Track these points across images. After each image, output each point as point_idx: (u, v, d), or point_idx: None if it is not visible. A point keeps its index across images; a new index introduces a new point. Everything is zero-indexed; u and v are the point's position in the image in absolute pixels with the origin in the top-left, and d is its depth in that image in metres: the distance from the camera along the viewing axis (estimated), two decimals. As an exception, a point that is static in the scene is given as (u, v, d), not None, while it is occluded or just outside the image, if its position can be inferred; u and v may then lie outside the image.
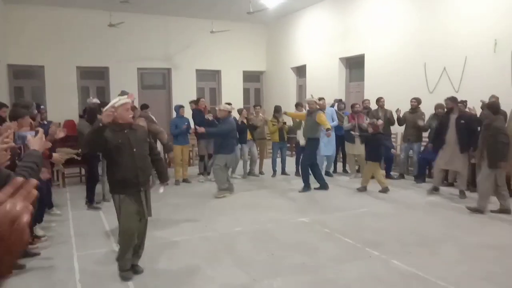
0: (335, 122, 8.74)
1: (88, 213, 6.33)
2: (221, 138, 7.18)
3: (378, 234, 5.09)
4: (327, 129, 7.16)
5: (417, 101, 8.32)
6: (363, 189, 7.43)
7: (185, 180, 8.63)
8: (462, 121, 6.72)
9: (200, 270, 4.07)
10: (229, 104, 7.62)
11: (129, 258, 3.90)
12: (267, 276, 3.84)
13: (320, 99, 8.55)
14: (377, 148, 7.40)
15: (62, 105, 11.50)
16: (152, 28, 12.87)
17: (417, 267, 4.02)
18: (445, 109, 7.19)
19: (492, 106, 6.00)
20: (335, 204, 6.62)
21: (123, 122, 3.78)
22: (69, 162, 8.04)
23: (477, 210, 5.89)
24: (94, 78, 12.77)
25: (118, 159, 3.74)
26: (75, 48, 11.86)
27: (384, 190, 7.27)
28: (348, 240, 4.89)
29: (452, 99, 6.97)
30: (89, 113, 6.41)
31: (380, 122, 7.56)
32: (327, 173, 9.07)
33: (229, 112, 7.32)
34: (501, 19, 7.48)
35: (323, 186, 7.64)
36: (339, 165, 9.60)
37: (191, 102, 9.61)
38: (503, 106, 6.71)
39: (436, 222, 5.60)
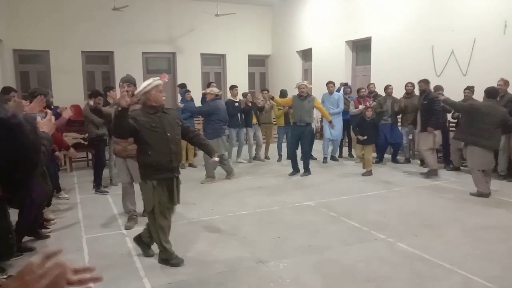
0: (339, 108, 8.70)
1: (95, 197, 6.41)
2: (205, 122, 7.23)
3: (383, 217, 5.13)
4: (330, 122, 7.59)
5: (413, 85, 8.23)
6: (368, 173, 7.45)
7: (190, 165, 8.68)
8: (425, 102, 7.17)
9: (206, 252, 4.14)
10: (216, 87, 7.69)
11: (170, 246, 3.83)
12: (273, 257, 3.89)
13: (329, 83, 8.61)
14: (372, 132, 7.56)
15: (68, 89, 11.52)
16: (157, 12, 12.79)
17: (422, 249, 4.05)
18: (420, 91, 7.58)
19: (486, 91, 6.07)
20: (341, 188, 6.65)
21: (156, 105, 3.68)
22: (75, 147, 8.14)
23: (481, 195, 5.89)
24: (99, 63, 12.77)
25: (152, 143, 3.61)
26: (80, 32, 11.84)
27: (366, 173, 7.43)
28: (354, 223, 4.93)
29: (425, 81, 7.43)
30: (95, 112, 6.44)
31: (373, 104, 7.77)
32: (333, 158, 9.08)
33: (216, 95, 7.31)
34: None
35: (295, 170, 7.66)
36: (345, 150, 9.60)
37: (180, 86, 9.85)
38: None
39: (440, 205, 5.62)
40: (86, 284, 0.88)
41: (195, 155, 8.95)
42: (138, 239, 4.10)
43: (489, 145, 5.77)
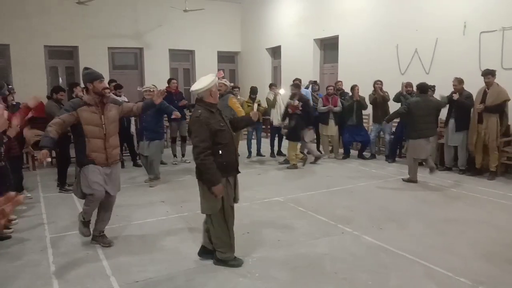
0: None
1: (60, 196, 6.24)
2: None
3: (349, 211, 5.25)
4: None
5: (381, 83, 8.47)
6: (292, 167, 7.86)
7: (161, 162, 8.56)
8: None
9: (175, 249, 4.11)
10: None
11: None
12: (242, 252, 3.91)
13: (295, 80, 8.65)
14: (295, 128, 7.75)
15: (30, 85, 11.07)
16: (123, 6, 12.51)
17: (386, 241, 4.18)
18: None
19: (418, 87, 6.78)
20: (309, 183, 6.75)
21: (215, 102, 3.60)
22: (38, 144, 7.88)
23: (411, 181, 6.66)
24: (63, 58, 12.36)
25: (223, 142, 3.50)
26: (42, 26, 11.41)
27: (291, 167, 7.88)
28: (321, 217, 5.02)
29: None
30: None
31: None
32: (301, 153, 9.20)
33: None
34: (470, 2, 7.65)
35: None
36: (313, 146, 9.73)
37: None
38: (471, 87, 6.98)
39: (404, 199, 5.82)
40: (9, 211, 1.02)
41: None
42: (203, 251, 3.85)
43: (426, 134, 6.49)
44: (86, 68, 4.14)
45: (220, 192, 3.46)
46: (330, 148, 9.15)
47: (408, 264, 3.70)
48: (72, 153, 6.69)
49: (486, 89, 6.68)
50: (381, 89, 8.45)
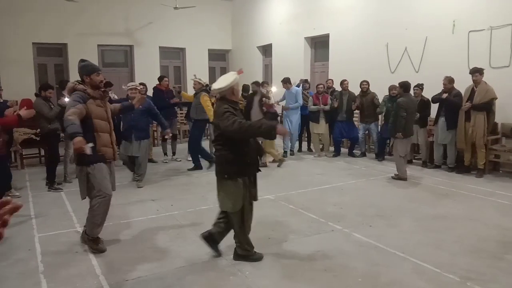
0: (298, 103, 8.82)
1: (49, 195, 6.17)
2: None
3: (340, 209, 5.28)
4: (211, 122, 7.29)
5: (368, 83, 8.51)
6: (280, 162, 7.86)
7: (150, 160, 8.51)
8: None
9: (165, 248, 4.09)
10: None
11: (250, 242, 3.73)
12: (233, 251, 3.90)
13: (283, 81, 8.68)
14: None
15: (18, 83, 10.96)
16: (113, 3, 12.42)
17: (376, 239, 4.21)
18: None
19: (402, 85, 6.71)
20: (300, 182, 6.77)
21: (237, 100, 3.59)
22: (27, 143, 7.79)
23: (400, 178, 6.72)
24: (52, 55, 12.24)
25: (245, 141, 3.50)
26: (31, 23, 11.29)
27: (280, 162, 7.86)
28: (312, 215, 5.04)
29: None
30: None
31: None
32: (291, 152, 9.22)
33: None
34: (459, 1, 7.73)
35: (212, 162, 7.48)
36: (304, 144, 9.78)
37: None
38: (460, 85, 7.05)
39: (393, 196, 5.86)
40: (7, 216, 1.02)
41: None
42: (207, 237, 3.81)
43: (410, 133, 6.70)
44: (82, 60, 4.00)
45: (284, 131, 3.52)
46: (320, 146, 9.18)
47: (398, 260, 3.73)
48: (61, 151, 6.72)
49: (474, 87, 6.75)
50: (366, 90, 8.46)
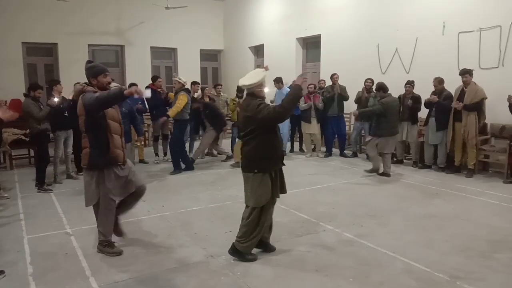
0: None
1: (38, 196, 6.10)
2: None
3: (331, 209, 5.30)
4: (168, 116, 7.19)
5: (372, 82, 8.45)
6: (236, 165, 7.73)
7: (141, 161, 8.49)
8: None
9: (156, 248, 4.07)
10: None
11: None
12: (224, 251, 3.89)
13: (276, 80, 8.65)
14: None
15: (7, 83, 10.83)
16: (104, 2, 12.33)
17: (367, 238, 4.23)
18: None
19: (381, 87, 7.00)
20: (292, 182, 6.69)
21: (263, 96, 3.69)
22: (16, 143, 7.70)
23: (372, 171, 7.05)
24: (42, 55, 12.11)
25: (277, 134, 3.70)
26: (20, 22, 11.16)
27: (235, 165, 7.78)
28: (303, 215, 5.05)
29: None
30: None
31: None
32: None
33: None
34: (449, 3, 7.79)
35: (188, 167, 7.62)
36: (296, 145, 9.79)
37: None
38: (450, 86, 7.12)
39: (384, 196, 5.90)
40: None
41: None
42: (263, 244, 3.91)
43: (394, 132, 6.93)
44: (89, 62, 3.91)
45: (303, 80, 3.67)
46: (312, 146, 9.20)
47: (389, 260, 3.75)
48: (51, 152, 6.65)
49: (464, 88, 6.81)
50: (369, 88, 8.31)
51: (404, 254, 3.85)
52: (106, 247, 3.91)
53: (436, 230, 4.50)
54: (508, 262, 3.68)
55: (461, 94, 6.83)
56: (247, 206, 3.77)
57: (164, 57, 14.00)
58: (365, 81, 8.43)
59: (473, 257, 3.80)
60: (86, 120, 3.70)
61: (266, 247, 3.93)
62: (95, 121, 3.68)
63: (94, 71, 3.75)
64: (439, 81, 7.16)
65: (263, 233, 3.81)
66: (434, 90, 7.23)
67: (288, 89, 9.03)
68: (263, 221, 3.72)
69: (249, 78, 3.68)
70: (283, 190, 3.87)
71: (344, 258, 3.80)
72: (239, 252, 3.74)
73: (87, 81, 3.87)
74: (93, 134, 3.73)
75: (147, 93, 3.52)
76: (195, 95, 8.45)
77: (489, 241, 4.17)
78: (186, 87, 7.39)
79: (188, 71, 13.48)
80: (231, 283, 3.37)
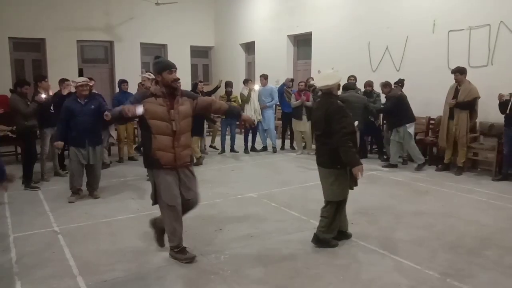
0: (274, 101, 9.20)
1: (25, 193, 6.00)
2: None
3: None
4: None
5: (355, 78, 8.52)
6: (197, 163, 7.60)
7: (130, 158, 8.41)
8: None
9: (145, 247, 4.02)
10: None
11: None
12: (214, 249, 3.87)
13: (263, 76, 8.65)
14: (199, 124, 7.64)
15: (-7, 79, 10.66)
16: (93, -3, 12.16)
17: (357, 236, 4.23)
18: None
19: (346, 86, 7.46)
20: (283, 179, 6.76)
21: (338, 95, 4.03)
22: (3, 140, 7.57)
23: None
24: (30, 51, 11.91)
25: (353, 135, 3.88)
26: (7, 17, 10.96)
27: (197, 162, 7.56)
28: (294, 213, 5.03)
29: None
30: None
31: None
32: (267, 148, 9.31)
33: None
34: (439, 1, 7.82)
35: None
36: (287, 142, 9.78)
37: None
38: (440, 84, 7.20)
39: (375, 193, 5.91)
40: None
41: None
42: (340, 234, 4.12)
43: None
44: (156, 57, 3.75)
45: (362, 171, 3.77)
46: (303, 144, 9.20)
47: (379, 258, 3.75)
48: (38, 149, 6.54)
49: (458, 86, 6.84)
50: (370, 92, 8.32)
51: (394, 251, 3.85)
52: (177, 253, 3.69)
53: (426, 227, 4.52)
54: (496, 259, 3.71)
55: (456, 92, 6.84)
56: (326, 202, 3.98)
57: (154, 53, 13.81)
58: (348, 78, 8.44)
59: (463, 254, 3.82)
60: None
61: (345, 235, 4.14)
62: (139, 121, 3.60)
63: (158, 67, 3.56)
64: (383, 85, 7.58)
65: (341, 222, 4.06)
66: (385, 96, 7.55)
67: (272, 86, 9.20)
68: (340, 211, 3.98)
69: (326, 79, 3.81)
70: (356, 183, 4.00)
71: (334, 256, 3.79)
72: (321, 240, 3.96)
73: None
74: (141, 132, 3.82)
75: (140, 111, 3.40)
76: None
77: (478, 238, 4.19)
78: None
79: (178, 67, 13.26)
80: (221, 281, 3.34)
